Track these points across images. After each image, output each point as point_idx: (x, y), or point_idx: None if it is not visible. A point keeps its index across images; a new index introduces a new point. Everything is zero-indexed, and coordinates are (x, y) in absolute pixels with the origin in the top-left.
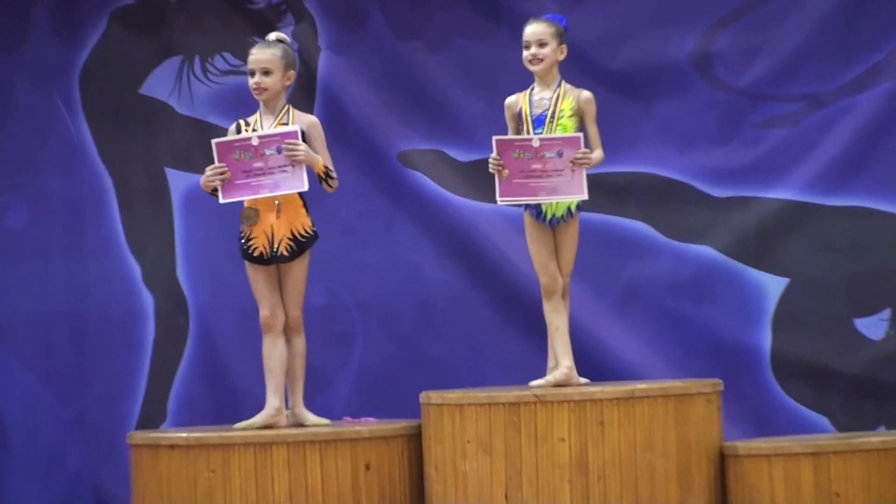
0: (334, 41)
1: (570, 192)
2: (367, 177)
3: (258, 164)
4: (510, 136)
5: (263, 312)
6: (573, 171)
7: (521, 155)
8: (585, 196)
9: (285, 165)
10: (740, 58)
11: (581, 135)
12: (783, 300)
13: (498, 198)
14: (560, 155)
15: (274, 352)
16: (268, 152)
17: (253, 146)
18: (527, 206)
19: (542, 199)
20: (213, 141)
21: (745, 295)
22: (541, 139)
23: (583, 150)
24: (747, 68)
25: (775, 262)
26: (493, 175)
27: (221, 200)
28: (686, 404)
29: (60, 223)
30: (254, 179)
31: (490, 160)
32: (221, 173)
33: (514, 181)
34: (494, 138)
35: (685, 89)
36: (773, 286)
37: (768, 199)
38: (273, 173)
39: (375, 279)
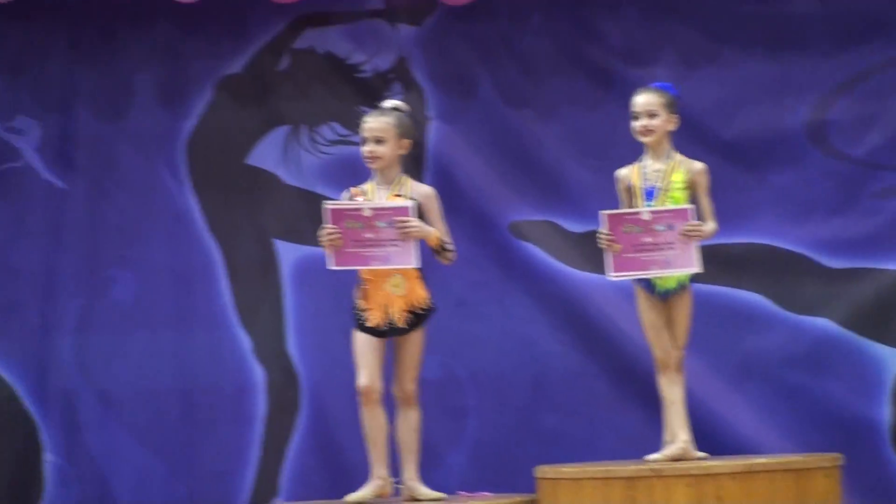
0: (444, 110)
1: (682, 266)
2: (478, 248)
3: (369, 235)
4: (619, 210)
5: (362, 381)
6: (685, 243)
7: (632, 229)
8: (697, 269)
9: (396, 240)
10: (856, 126)
11: (692, 207)
12: None
13: (610, 273)
14: (670, 227)
15: (374, 422)
16: (379, 224)
17: (365, 217)
18: (638, 279)
19: (655, 274)
20: (327, 206)
21: (864, 368)
22: (651, 212)
23: (693, 222)
24: (864, 137)
25: (894, 335)
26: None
27: (331, 267)
28: (805, 479)
29: (168, 295)
30: (364, 249)
31: (600, 235)
32: (333, 235)
33: (626, 255)
34: (603, 213)
35: (800, 159)
36: (893, 359)
37: (887, 270)
38: (384, 245)
39: (489, 352)
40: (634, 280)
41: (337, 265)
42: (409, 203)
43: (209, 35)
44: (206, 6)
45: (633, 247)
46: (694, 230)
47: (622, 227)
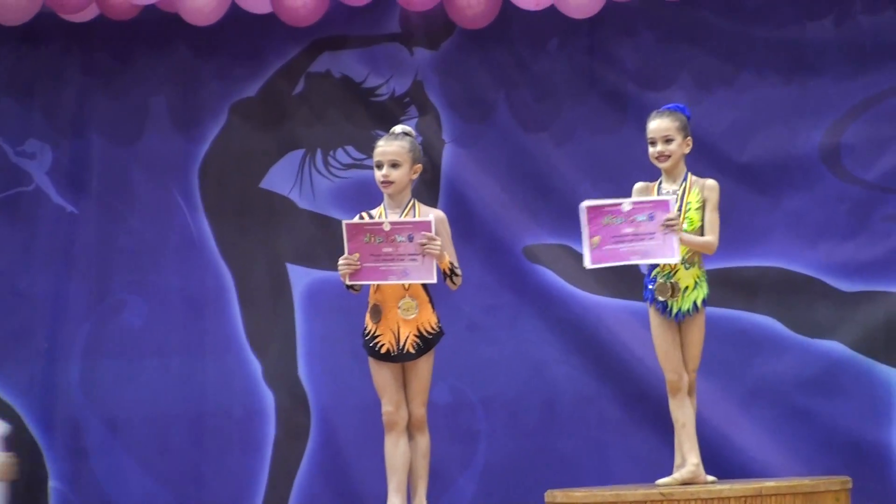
0: (459, 134)
1: (662, 255)
2: (491, 272)
3: (388, 250)
4: (599, 201)
5: (387, 409)
6: (665, 234)
7: (612, 220)
8: (677, 258)
9: (415, 254)
10: (870, 150)
11: (672, 198)
12: None
13: (587, 263)
14: (651, 218)
15: (396, 450)
16: (399, 239)
17: (384, 231)
18: (652, 301)
19: (634, 262)
20: (344, 222)
21: (875, 391)
22: (632, 202)
23: (673, 213)
24: (877, 160)
25: None
26: (619, 270)
27: (347, 282)
28: (814, 502)
29: (179, 320)
30: (382, 264)
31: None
32: (351, 265)
33: (605, 247)
34: (583, 205)
35: (814, 182)
36: None
37: None
38: (402, 260)
39: (500, 376)
40: (648, 302)
41: (354, 280)
42: (430, 217)
43: (224, 59)
44: (222, 30)
45: (613, 238)
46: (673, 221)
47: (602, 220)
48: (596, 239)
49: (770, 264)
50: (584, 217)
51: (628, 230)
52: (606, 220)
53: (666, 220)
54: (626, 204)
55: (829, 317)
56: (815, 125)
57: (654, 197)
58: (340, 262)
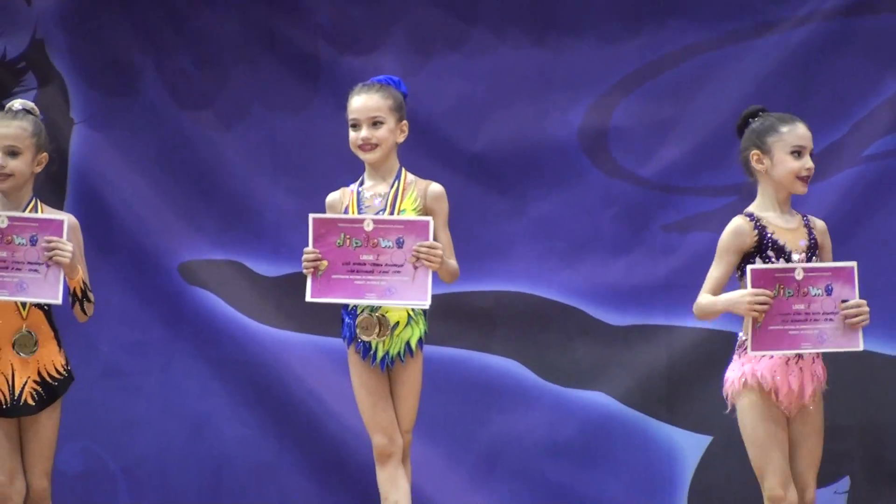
0: (93, 111)
1: (409, 297)
2: (136, 297)
3: (1, 254)
4: (332, 215)
5: None
6: (416, 267)
7: (348, 241)
8: (427, 303)
9: (37, 264)
10: (647, 135)
11: (430, 219)
12: (704, 464)
13: (308, 296)
14: (400, 244)
15: None
16: (18, 241)
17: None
18: (351, 340)
19: (371, 302)
20: None
21: (653, 458)
22: (375, 220)
23: (430, 241)
24: (657, 150)
25: (693, 415)
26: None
27: None
28: None
29: None
30: None
31: (304, 255)
32: None
33: (334, 277)
34: (312, 216)
35: (572, 178)
36: (691, 446)
37: (685, 328)
38: (19, 270)
39: (149, 437)
40: (347, 341)
41: None
42: (62, 216)
43: None
44: None
45: (346, 266)
46: (430, 251)
47: (335, 239)
48: (324, 264)
49: (511, 289)
50: (311, 234)
51: (367, 257)
52: (340, 241)
53: (419, 248)
54: (367, 222)
55: (591, 360)
56: (573, 101)
57: (410, 217)
58: None
